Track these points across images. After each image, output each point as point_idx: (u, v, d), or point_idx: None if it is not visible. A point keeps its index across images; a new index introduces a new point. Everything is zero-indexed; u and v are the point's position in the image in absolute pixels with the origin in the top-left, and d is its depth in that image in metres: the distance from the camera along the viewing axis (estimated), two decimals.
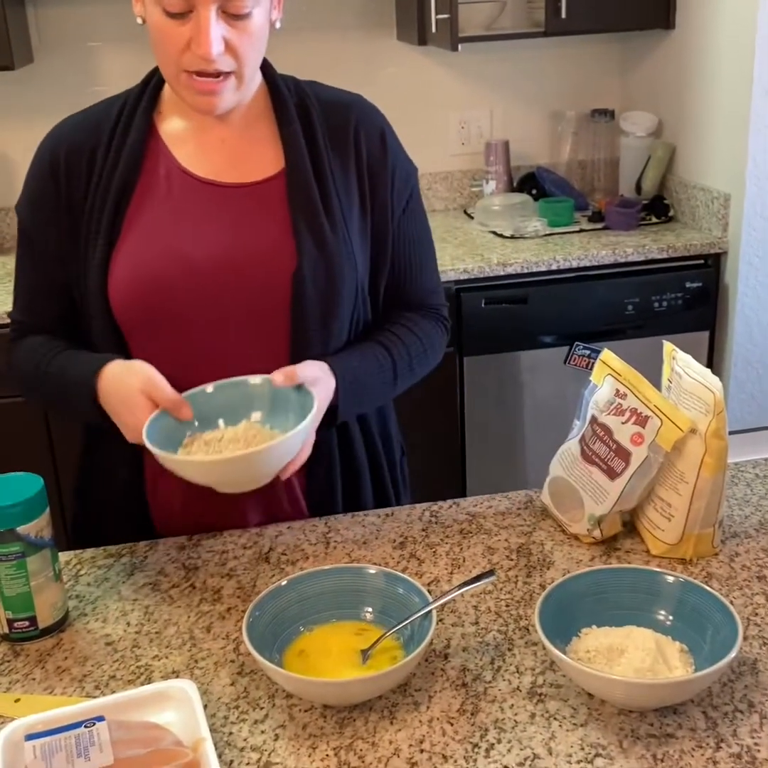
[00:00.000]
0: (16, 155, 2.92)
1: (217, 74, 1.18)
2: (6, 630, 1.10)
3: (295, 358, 1.25)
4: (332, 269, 1.25)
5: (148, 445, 1.11)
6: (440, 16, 2.60)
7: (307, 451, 1.19)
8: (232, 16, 1.15)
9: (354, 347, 1.32)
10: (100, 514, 1.39)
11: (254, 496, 1.28)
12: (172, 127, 1.30)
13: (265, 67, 1.31)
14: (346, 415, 1.29)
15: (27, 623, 1.09)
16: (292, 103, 1.30)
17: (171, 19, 1.15)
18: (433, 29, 2.65)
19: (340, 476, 1.37)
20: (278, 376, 1.17)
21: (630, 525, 1.26)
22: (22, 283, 1.35)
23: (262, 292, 1.25)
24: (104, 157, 1.27)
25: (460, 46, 2.60)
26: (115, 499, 1.36)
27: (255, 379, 1.21)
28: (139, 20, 1.21)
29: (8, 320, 1.39)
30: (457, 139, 3.14)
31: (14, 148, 2.91)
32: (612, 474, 1.19)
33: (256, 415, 1.21)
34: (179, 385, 1.22)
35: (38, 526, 1.07)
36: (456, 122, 3.12)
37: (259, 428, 1.18)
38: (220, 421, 1.20)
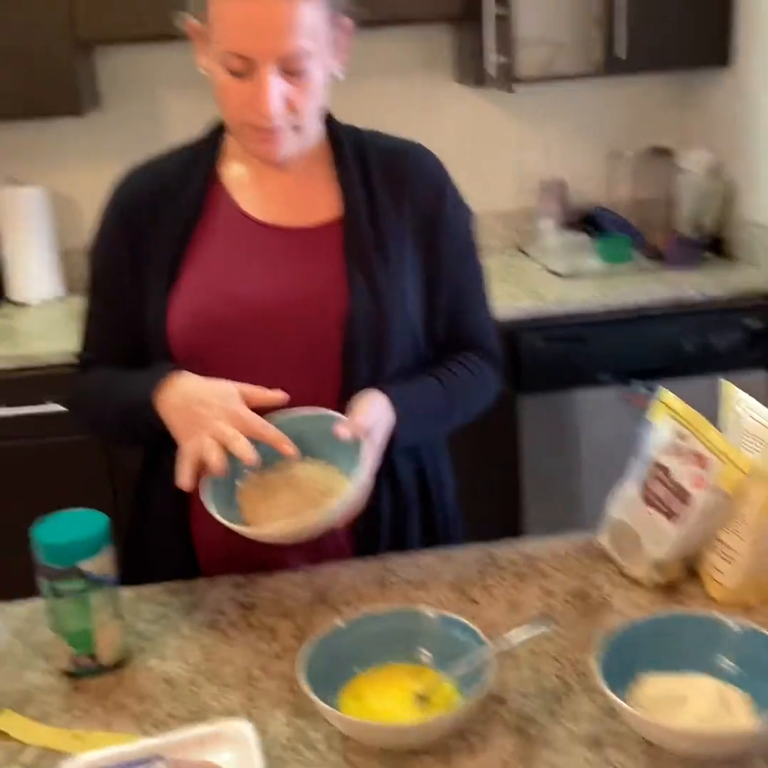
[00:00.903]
0: (83, 199, 3.00)
1: (278, 128, 1.21)
2: (68, 666, 1.11)
3: (346, 397, 1.27)
4: (383, 312, 1.27)
5: (210, 508, 1.14)
6: (498, 59, 2.62)
7: (363, 499, 1.20)
8: (292, 74, 1.18)
9: (411, 379, 1.33)
10: (148, 557, 1.41)
11: None
12: (233, 172, 1.34)
13: (325, 115, 1.34)
14: (403, 444, 1.30)
15: (88, 660, 1.11)
16: (351, 151, 1.33)
17: (233, 77, 1.19)
18: (491, 71, 2.67)
19: (389, 519, 1.36)
20: (344, 431, 1.17)
21: (691, 569, 1.24)
22: (90, 323, 1.40)
23: (314, 333, 1.27)
24: (168, 202, 1.31)
25: (517, 87, 2.62)
26: (163, 541, 1.38)
27: (307, 412, 1.23)
28: (203, 71, 1.25)
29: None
30: (513, 177, 3.15)
31: (81, 192, 3.00)
32: (672, 517, 1.17)
33: (310, 451, 1.22)
34: None
35: (101, 563, 1.09)
36: (512, 161, 3.14)
37: (312, 472, 1.20)
38: (274, 462, 1.21)
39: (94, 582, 1.09)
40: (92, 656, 1.11)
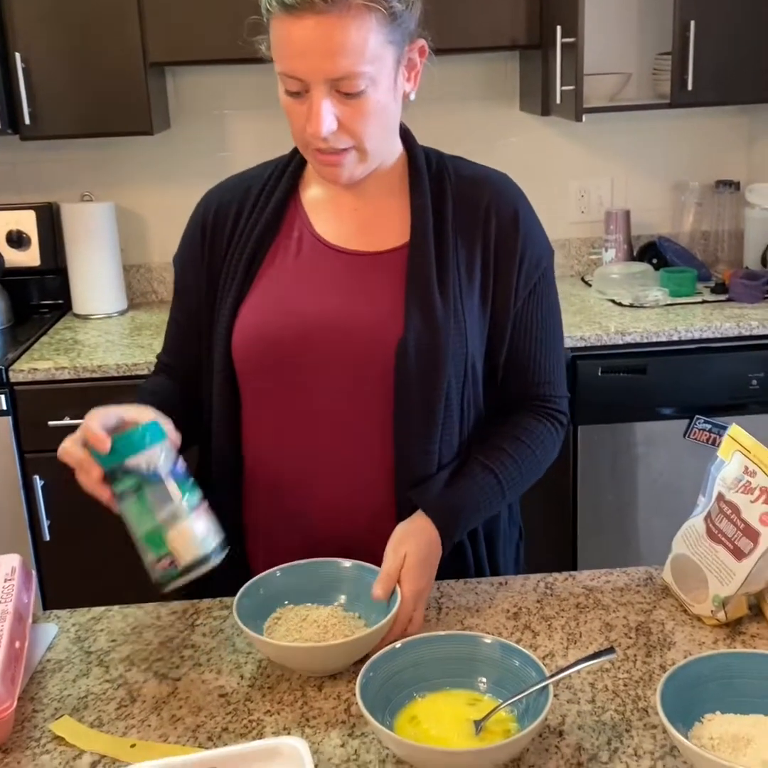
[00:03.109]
0: (148, 215, 3.06)
1: (336, 150, 1.21)
2: (155, 576, 1.08)
3: (399, 424, 1.27)
4: (437, 345, 1.25)
5: (237, 619, 1.13)
6: (565, 88, 2.62)
7: (399, 631, 1.17)
8: (345, 95, 1.17)
9: (463, 477, 1.29)
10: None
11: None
12: (311, 193, 1.35)
13: (407, 138, 1.33)
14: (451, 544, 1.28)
15: (167, 562, 1.07)
16: (427, 177, 1.31)
17: (292, 98, 1.19)
18: (558, 100, 2.67)
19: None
20: (378, 591, 1.16)
21: (756, 608, 1.21)
22: (171, 326, 1.44)
23: (367, 358, 1.26)
24: (247, 217, 1.33)
25: (584, 117, 2.62)
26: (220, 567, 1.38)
27: (346, 563, 1.23)
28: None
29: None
30: (576, 207, 3.15)
31: (146, 209, 3.05)
32: (739, 554, 1.15)
33: (342, 599, 1.22)
34: (287, 438, 1.25)
35: (148, 458, 1.07)
36: (576, 190, 3.13)
37: (341, 616, 1.19)
38: (306, 603, 1.22)
39: (146, 478, 1.07)
40: (170, 558, 1.07)
